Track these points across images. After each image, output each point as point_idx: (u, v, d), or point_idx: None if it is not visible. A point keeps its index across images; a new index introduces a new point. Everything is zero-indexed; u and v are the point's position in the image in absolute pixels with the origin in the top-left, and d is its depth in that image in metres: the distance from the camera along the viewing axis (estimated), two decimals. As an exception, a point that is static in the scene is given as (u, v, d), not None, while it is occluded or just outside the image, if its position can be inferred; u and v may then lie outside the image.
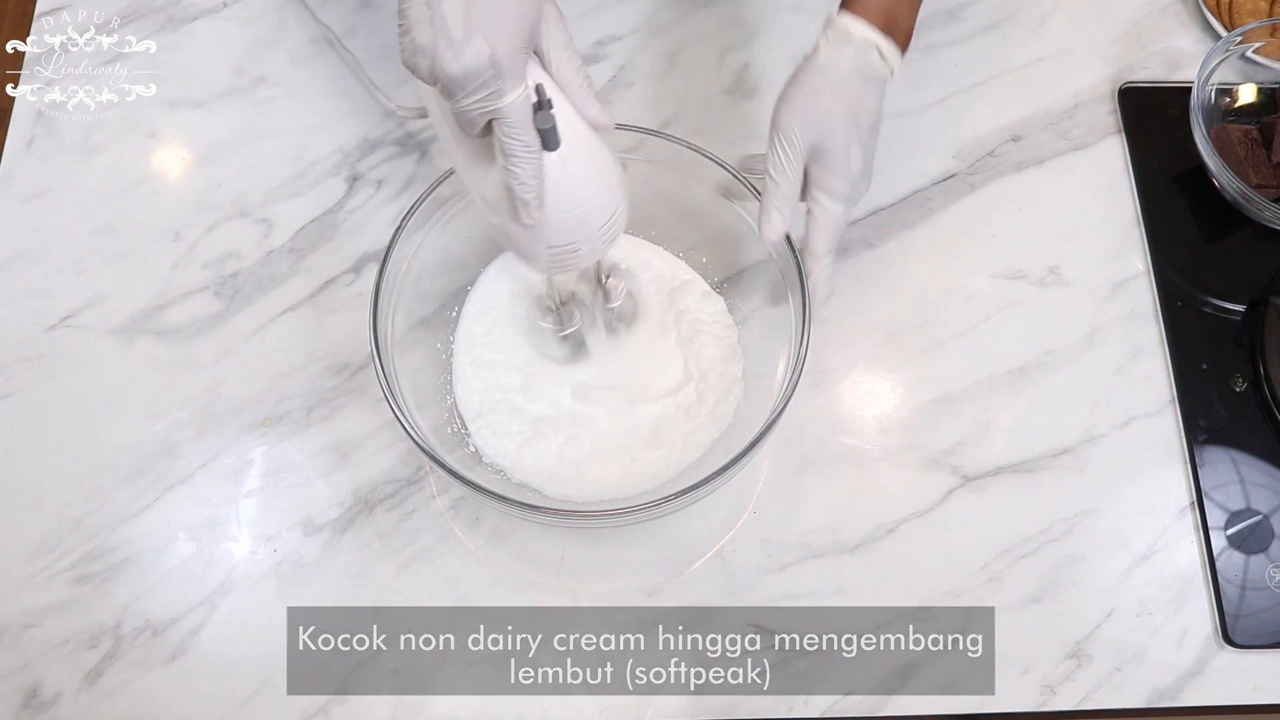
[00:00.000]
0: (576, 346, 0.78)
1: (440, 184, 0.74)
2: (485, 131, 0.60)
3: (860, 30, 0.71)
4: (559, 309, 0.77)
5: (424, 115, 0.77)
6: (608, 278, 0.77)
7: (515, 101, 0.57)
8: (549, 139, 0.59)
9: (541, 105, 0.58)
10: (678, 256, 0.83)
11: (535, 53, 0.60)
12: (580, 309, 0.78)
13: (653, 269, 0.83)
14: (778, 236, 0.73)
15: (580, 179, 0.62)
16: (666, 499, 0.68)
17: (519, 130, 0.58)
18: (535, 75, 0.60)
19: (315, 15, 0.94)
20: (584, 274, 0.78)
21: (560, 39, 0.60)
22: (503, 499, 0.68)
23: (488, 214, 0.65)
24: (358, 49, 0.93)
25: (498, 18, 0.56)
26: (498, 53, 0.55)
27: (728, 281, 0.82)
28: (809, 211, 0.74)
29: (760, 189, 0.74)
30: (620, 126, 0.77)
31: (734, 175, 0.76)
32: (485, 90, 0.56)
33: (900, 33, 0.73)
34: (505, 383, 0.79)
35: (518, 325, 0.80)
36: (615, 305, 0.78)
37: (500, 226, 0.65)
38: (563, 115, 0.59)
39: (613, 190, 0.64)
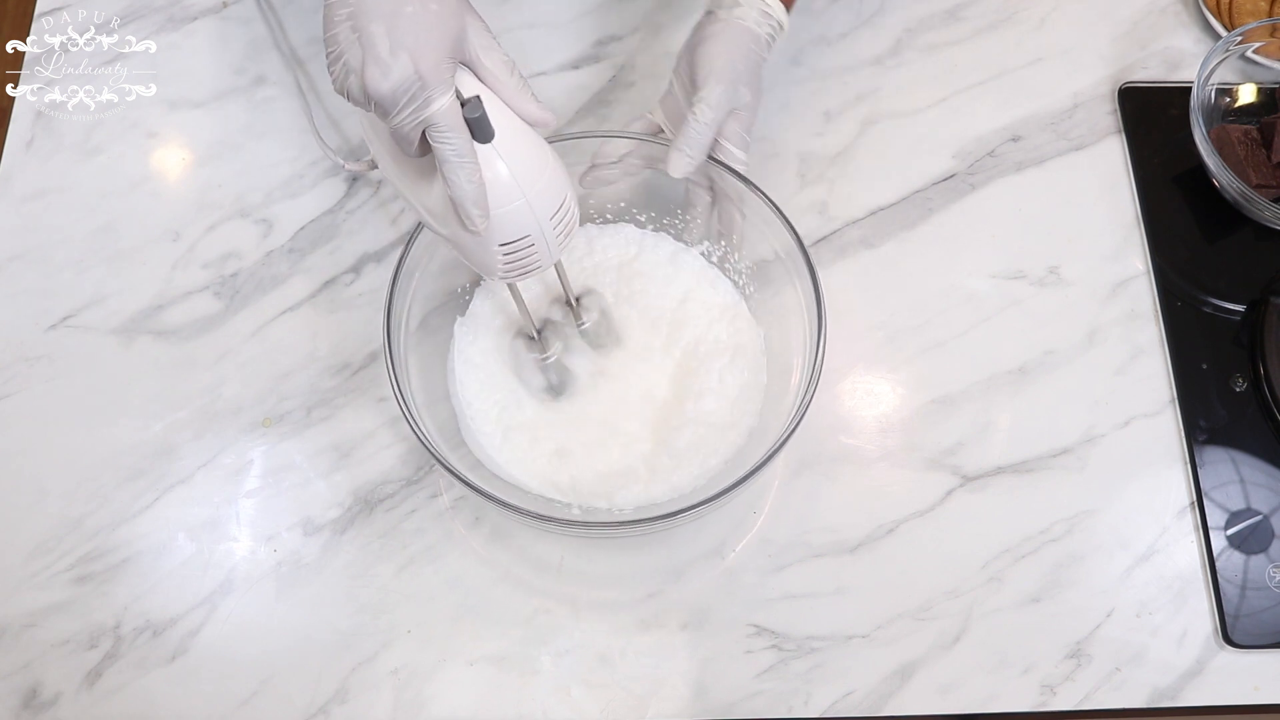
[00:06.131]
0: (560, 376, 0.78)
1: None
2: (424, 149, 0.62)
3: (779, 12, 0.78)
4: (539, 336, 0.77)
5: (374, 167, 0.78)
6: (579, 299, 0.77)
7: (443, 108, 0.59)
8: (481, 130, 0.60)
9: (467, 100, 0.59)
10: (710, 261, 0.83)
11: (465, 64, 0.61)
12: (559, 336, 0.77)
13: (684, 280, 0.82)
14: (685, 175, 0.75)
15: (519, 168, 0.62)
16: (661, 517, 0.68)
17: (450, 135, 0.60)
18: (470, 84, 0.61)
19: (288, 53, 0.93)
20: (556, 297, 0.79)
21: (486, 44, 0.62)
22: (514, 508, 0.68)
23: (435, 227, 0.66)
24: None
25: (419, 33, 0.58)
26: (422, 66, 0.58)
27: (745, 274, 0.82)
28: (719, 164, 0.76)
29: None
30: (617, 134, 0.78)
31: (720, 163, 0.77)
32: (414, 103, 0.59)
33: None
34: (501, 386, 0.78)
35: (503, 355, 0.79)
36: (586, 325, 0.78)
37: (451, 238, 0.65)
38: (496, 112, 0.61)
39: (555, 179, 0.64)
